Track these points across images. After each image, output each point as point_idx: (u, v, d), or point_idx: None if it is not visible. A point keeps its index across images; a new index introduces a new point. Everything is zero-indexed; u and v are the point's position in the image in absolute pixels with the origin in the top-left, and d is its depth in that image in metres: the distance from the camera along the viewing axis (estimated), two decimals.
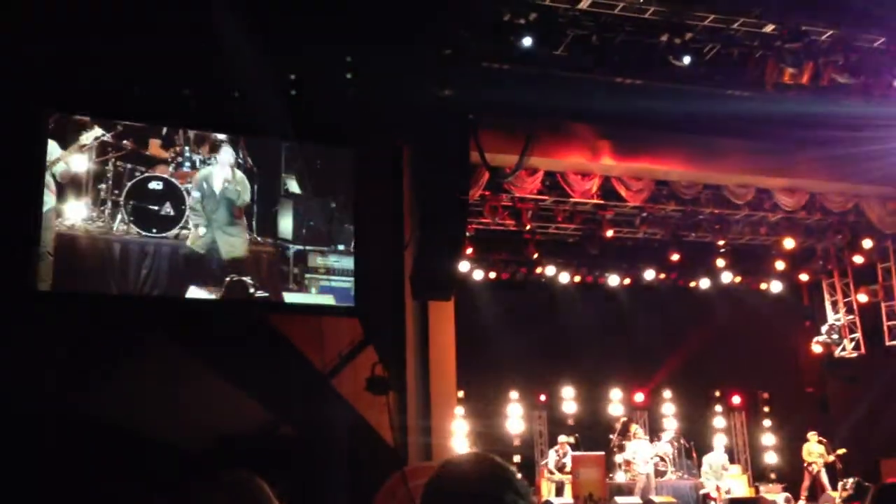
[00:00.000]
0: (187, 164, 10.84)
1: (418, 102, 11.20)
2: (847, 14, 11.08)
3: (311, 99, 10.95)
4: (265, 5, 10.05)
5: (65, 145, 10.24)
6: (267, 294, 10.92)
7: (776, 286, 18.64)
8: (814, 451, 15.97)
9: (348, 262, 11.32)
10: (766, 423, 18.99)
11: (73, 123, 10.37)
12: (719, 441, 16.60)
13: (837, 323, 18.08)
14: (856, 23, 11.25)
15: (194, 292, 10.49)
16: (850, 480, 15.12)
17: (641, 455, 15.73)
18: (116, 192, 10.39)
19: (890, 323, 16.88)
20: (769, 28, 11.14)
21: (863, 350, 17.52)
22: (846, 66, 11.49)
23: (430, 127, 11.46)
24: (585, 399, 18.14)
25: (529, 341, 16.80)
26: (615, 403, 18.35)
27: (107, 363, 10.00)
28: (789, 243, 16.38)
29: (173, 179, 10.70)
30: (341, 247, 11.38)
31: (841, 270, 18.01)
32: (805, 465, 16.03)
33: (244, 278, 10.72)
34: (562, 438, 16.16)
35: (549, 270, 17.09)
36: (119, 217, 10.34)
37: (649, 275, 17.62)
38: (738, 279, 18.16)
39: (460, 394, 14.89)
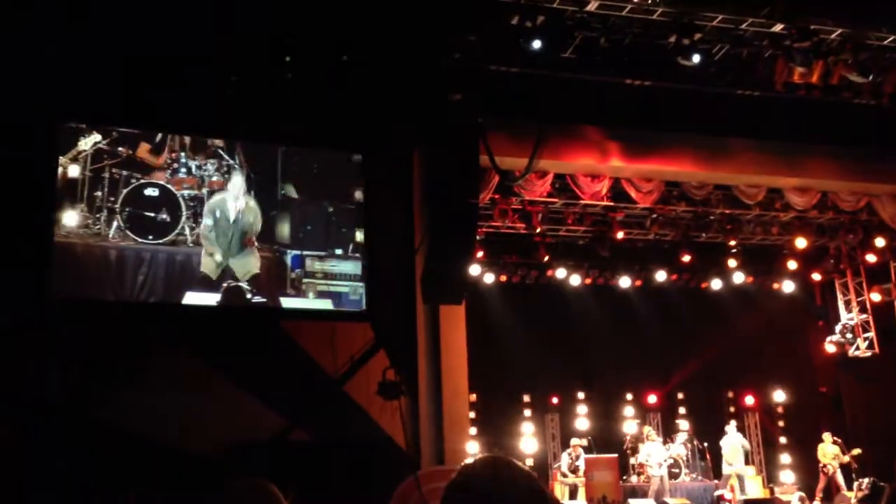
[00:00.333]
0: (183, 170, 10.82)
1: (428, 106, 11.22)
2: (857, 12, 11.03)
3: (315, 102, 10.98)
4: (265, 6, 10.10)
5: (62, 152, 10.27)
6: (265, 299, 10.88)
7: (788, 286, 18.57)
8: (829, 452, 15.89)
9: (346, 267, 11.30)
10: (780, 423, 18.91)
11: (70, 130, 10.40)
12: (731, 427, 16.51)
13: (851, 322, 17.99)
14: (865, 21, 11.20)
15: (191, 298, 10.46)
16: (866, 480, 15.03)
17: (655, 457, 15.68)
18: (112, 199, 10.38)
19: None
20: (778, 27, 11.10)
21: (876, 349, 17.43)
22: (856, 64, 11.44)
23: (439, 131, 11.47)
24: (598, 401, 18.11)
25: (541, 344, 16.79)
26: (628, 405, 18.31)
27: (119, 372, 10.03)
28: (801, 243, 16.31)
29: (169, 186, 10.69)
30: (339, 251, 11.35)
31: (854, 269, 17.93)
32: (820, 466, 15.94)
33: (241, 284, 10.71)
34: (574, 441, 16.14)
35: (560, 273, 17.08)
36: (115, 224, 10.33)
37: (661, 276, 17.58)
38: (750, 279, 18.10)
39: (472, 397, 14.88)
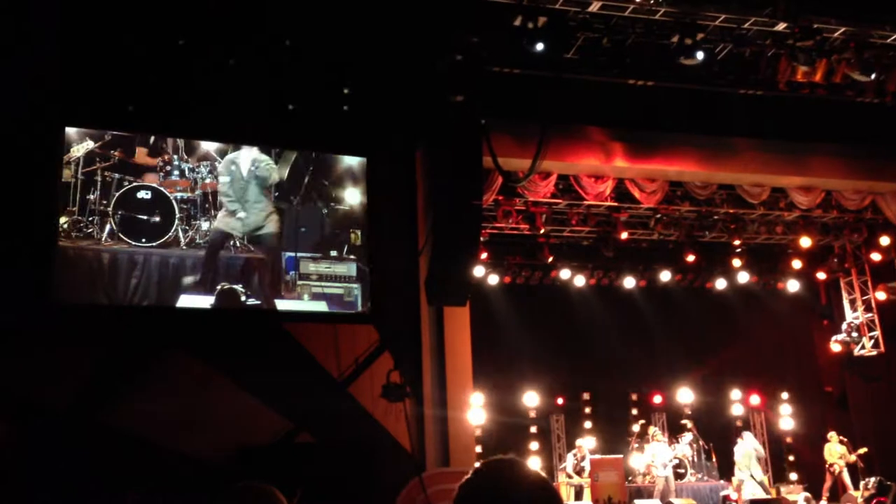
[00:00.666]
0: (176, 172, 10.80)
1: (430, 108, 11.22)
2: (859, 10, 11.02)
3: (317, 105, 11.00)
4: (265, 7, 10.11)
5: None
6: (259, 302, 10.84)
7: (793, 285, 18.54)
8: (835, 451, 15.84)
9: (341, 268, 11.29)
10: (786, 423, 18.88)
11: (66, 134, 10.41)
12: (747, 433, 16.46)
13: (856, 321, 17.95)
14: (868, 19, 11.18)
15: (185, 301, 10.44)
16: (872, 479, 14.98)
17: (660, 458, 15.65)
18: (105, 202, 10.36)
19: None
20: (781, 26, 11.09)
21: (882, 348, 17.38)
22: (859, 62, 11.42)
23: (442, 132, 11.47)
24: (603, 401, 18.08)
25: (546, 345, 16.79)
26: (633, 406, 18.28)
27: (123, 375, 10.05)
28: (806, 242, 16.28)
29: (162, 188, 10.66)
30: (333, 253, 11.32)
31: (858, 268, 17.88)
32: (827, 465, 15.90)
33: (235, 286, 10.67)
34: (579, 442, 16.11)
35: (565, 274, 17.07)
36: (108, 227, 10.30)
37: (665, 276, 17.57)
38: (754, 279, 18.07)
39: (477, 398, 14.87)
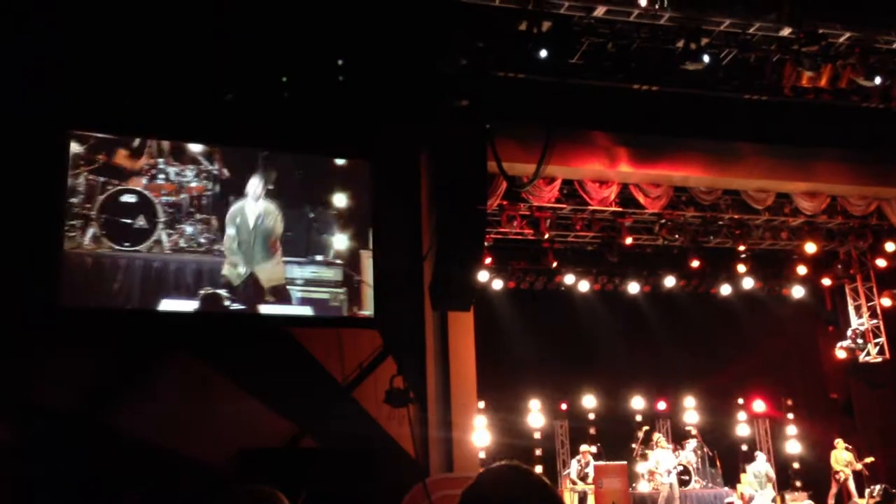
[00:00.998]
0: (161, 176, 10.70)
1: (435, 112, 11.22)
2: (865, 15, 11.00)
3: (320, 108, 11.00)
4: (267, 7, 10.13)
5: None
6: (244, 307, 10.73)
7: (798, 291, 18.49)
8: (841, 458, 15.79)
9: (327, 273, 11.18)
10: (791, 429, 18.82)
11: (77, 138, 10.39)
12: (760, 454, 16.46)
13: (861, 327, 17.90)
14: (874, 24, 11.17)
15: (167, 305, 10.33)
16: (878, 487, 14.93)
17: (664, 464, 15.61)
18: (88, 205, 10.27)
19: None
20: (786, 32, 11.07)
21: (887, 355, 17.33)
22: (865, 67, 11.40)
23: (447, 137, 11.47)
24: (607, 408, 18.05)
25: (550, 350, 16.77)
26: (637, 412, 18.24)
27: (129, 379, 10.06)
28: (811, 248, 16.24)
29: (146, 192, 10.55)
30: (319, 257, 11.22)
31: (864, 274, 17.85)
32: (833, 472, 15.84)
33: (219, 290, 10.59)
34: (584, 448, 16.09)
35: (569, 279, 17.05)
36: (91, 231, 10.20)
37: (669, 282, 17.54)
38: (759, 285, 18.03)
39: (481, 404, 14.85)
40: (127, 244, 10.33)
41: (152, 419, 9.81)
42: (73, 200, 10.21)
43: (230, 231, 10.77)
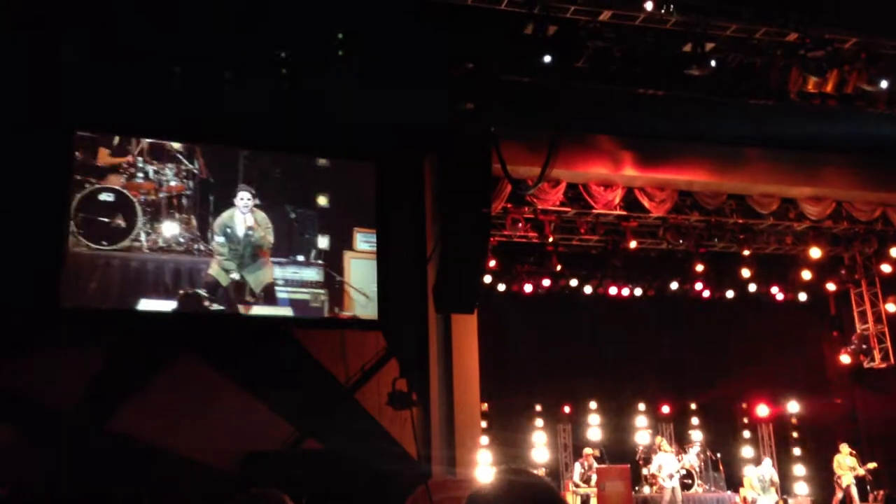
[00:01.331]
0: (140, 174, 10.66)
1: (440, 116, 11.23)
2: (871, 21, 10.99)
3: (325, 110, 11.02)
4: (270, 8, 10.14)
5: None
6: (223, 307, 10.70)
7: (803, 296, 18.45)
8: (844, 463, 15.74)
9: (308, 274, 11.16)
10: (794, 434, 18.79)
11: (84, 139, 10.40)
12: (766, 459, 16.42)
13: (866, 333, 17.87)
14: (880, 30, 11.15)
15: (145, 305, 10.30)
16: (881, 492, 14.90)
17: (666, 468, 15.59)
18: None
19: None
20: (792, 37, 11.06)
21: (892, 360, 17.29)
22: (871, 73, 11.39)
23: (452, 140, 11.48)
24: (610, 411, 18.02)
25: (553, 353, 16.75)
26: (641, 415, 18.22)
27: (135, 378, 10.07)
28: (816, 253, 16.21)
29: (125, 191, 10.51)
30: (301, 257, 11.20)
31: (869, 280, 17.81)
32: (836, 477, 15.81)
33: (199, 290, 10.57)
34: (587, 450, 16.06)
35: (573, 282, 17.04)
36: (69, 230, 10.16)
37: (673, 286, 17.51)
38: (763, 289, 18.00)
39: (484, 407, 14.84)
40: (104, 243, 10.26)
41: (155, 421, 9.84)
42: None
43: (219, 238, 10.75)
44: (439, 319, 11.91)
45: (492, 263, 15.30)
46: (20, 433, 9.42)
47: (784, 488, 17.60)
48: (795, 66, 11.33)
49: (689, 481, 16.20)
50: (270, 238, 11.01)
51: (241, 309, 10.78)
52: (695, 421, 18.33)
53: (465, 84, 10.86)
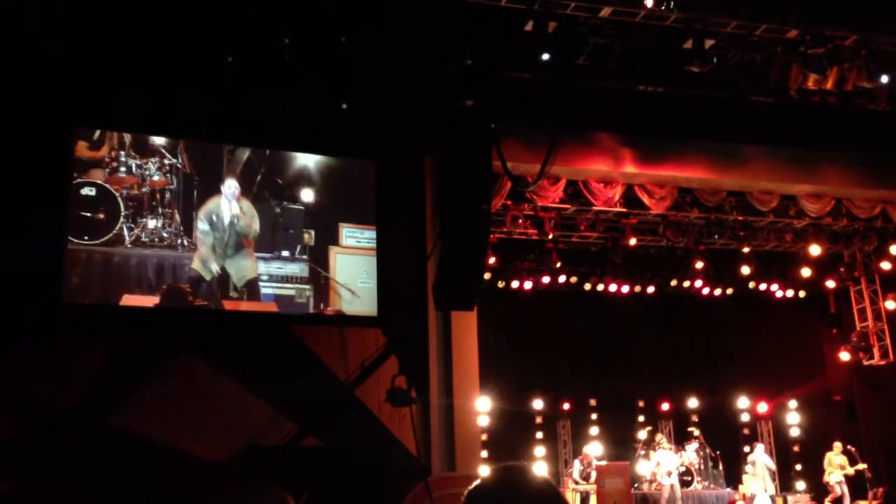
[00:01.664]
0: (122, 168, 10.54)
1: (440, 113, 11.23)
2: (871, 18, 10.98)
3: (326, 107, 11.01)
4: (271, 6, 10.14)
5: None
6: (207, 302, 10.60)
7: (802, 293, 18.46)
8: (834, 461, 15.84)
9: (293, 269, 11.07)
10: (794, 431, 18.81)
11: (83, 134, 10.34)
12: (758, 445, 16.42)
13: (865, 330, 17.89)
14: (880, 27, 11.14)
15: (128, 300, 10.20)
16: (880, 490, 14.91)
17: (665, 466, 15.62)
18: None
19: None
20: (792, 33, 11.06)
21: (891, 357, 17.32)
22: (871, 70, 11.38)
23: (452, 137, 11.47)
24: (610, 408, 18.04)
25: (552, 350, 16.78)
26: (640, 412, 18.24)
27: (136, 374, 10.07)
28: (815, 250, 16.22)
29: (107, 185, 10.40)
30: (285, 253, 11.12)
31: (868, 277, 17.83)
32: (824, 474, 15.92)
33: (182, 286, 10.48)
34: (586, 450, 16.10)
35: (572, 279, 17.05)
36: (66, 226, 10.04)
37: (673, 283, 17.52)
38: (763, 287, 18.01)
39: (483, 404, 14.85)
40: (86, 238, 10.17)
41: (155, 417, 9.84)
42: None
43: (203, 227, 10.65)
44: (439, 316, 11.91)
45: (492, 260, 15.31)
46: (19, 429, 9.42)
47: (784, 485, 17.64)
48: (795, 63, 11.32)
49: (689, 478, 16.22)
50: (256, 227, 10.92)
51: (226, 305, 10.70)
52: (694, 418, 18.35)
53: (465, 81, 10.85)
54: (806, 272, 17.56)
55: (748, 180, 14.06)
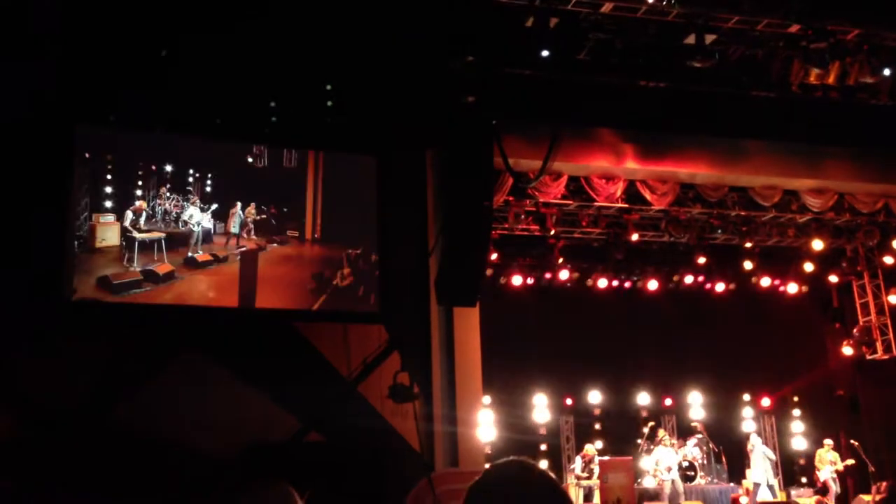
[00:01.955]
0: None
1: (442, 109, 11.23)
2: (873, 13, 10.97)
3: (327, 104, 11.01)
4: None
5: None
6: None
7: (805, 288, 18.45)
8: (825, 458, 15.92)
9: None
10: (797, 426, 18.82)
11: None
12: (755, 437, 16.45)
13: (868, 325, 17.87)
14: (882, 21, 11.13)
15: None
16: (884, 484, 14.92)
17: (665, 462, 15.65)
18: None
19: None
20: (794, 28, 11.04)
21: (894, 352, 17.30)
22: (873, 65, 11.37)
23: (453, 133, 11.47)
24: (612, 403, 18.06)
25: (555, 346, 16.77)
26: (643, 408, 18.25)
27: (138, 372, 10.09)
28: (818, 245, 16.20)
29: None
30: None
31: (871, 271, 17.80)
32: (815, 471, 15.99)
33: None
34: (588, 447, 16.11)
35: (574, 275, 17.05)
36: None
37: (675, 278, 17.52)
38: (766, 281, 18.01)
39: (486, 399, 14.87)
40: None
41: (156, 415, 9.86)
42: None
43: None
44: (441, 312, 11.91)
45: (493, 256, 15.31)
46: (20, 429, 9.44)
47: (786, 480, 17.64)
48: (797, 58, 11.32)
49: (692, 473, 16.22)
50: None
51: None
52: (697, 413, 18.35)
53: (467, 77, 10.85)
54: (809, 267, 17.54)
55: (750, 175, 14.05)
